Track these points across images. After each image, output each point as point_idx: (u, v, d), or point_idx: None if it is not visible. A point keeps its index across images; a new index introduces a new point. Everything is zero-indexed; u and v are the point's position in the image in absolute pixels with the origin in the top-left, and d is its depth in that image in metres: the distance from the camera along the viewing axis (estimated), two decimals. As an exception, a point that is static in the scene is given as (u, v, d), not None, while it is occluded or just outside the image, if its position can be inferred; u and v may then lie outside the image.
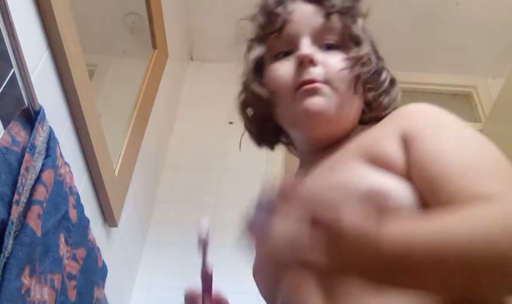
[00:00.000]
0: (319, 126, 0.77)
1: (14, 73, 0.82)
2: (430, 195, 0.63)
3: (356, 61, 0.78)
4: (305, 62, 0.76)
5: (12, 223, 0.76)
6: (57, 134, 0.95)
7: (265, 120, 0.87)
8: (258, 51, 0.86)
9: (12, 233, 0.76)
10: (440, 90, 2.57)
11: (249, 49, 0.90)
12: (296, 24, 0.81)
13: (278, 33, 0.82)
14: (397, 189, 0.65)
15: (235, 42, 2.58)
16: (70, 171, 0.99)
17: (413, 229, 0.55)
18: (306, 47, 0.78)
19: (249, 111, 0.89)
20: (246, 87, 0.87)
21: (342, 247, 0.54)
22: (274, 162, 2.15)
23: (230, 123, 2.34)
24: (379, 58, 0.84)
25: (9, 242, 0.75)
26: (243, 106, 0.89)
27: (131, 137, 1.52)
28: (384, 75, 0.83)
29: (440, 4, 2.35)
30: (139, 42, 1.83)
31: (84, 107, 1.09)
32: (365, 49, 0.79)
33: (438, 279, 0.54)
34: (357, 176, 0.69)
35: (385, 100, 0.82)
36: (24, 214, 0.79)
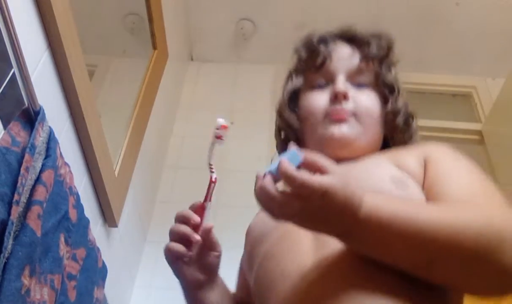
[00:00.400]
0: (341, 150, 0.87)
1: (14, 73, 0.82)
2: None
3: (394, 115, 0.91)
4: (339, 96, 0.87)
5: (12, 223, 0.76)
6: (57, 134, 0.95)
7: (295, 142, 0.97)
8: (297, 82, 0.96)
9: (12, 233, 0.76)
10: (440, 91, 2.57)
11: (288, 79, 1.00)
12: (335, 63, 0.92)
13: (318, 69, 0.93)
14: (414, 186, 0.75)
15: (235, 42, 2.59)
16: (70, 171, 0.99)
17: (396, 205, 0.64)
18: (342, 83, 0.89)
19: (282, 134, 1.01)
20: (280, 115, 0.98)
21: (325, 206, 0.60)
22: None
23: (231, 123, 2.34)
24: (405, 99, 0.95)
25: (9, 242, 0.75)
26: (278, 130, 1.01)
27: (131, 137, 1.52)
28: (407, 116, 0.95)
29: (440, 4, 2.35)
30: (139, 43, 1.83)
31: (84, 107, 1.09)
32: (401, 102, 0.92)
33: (407, 254, 0.63)
34: (381, 166, 0.80)
35: (406, 135, 0.95)
36: (24, 214, 0.79)
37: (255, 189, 0.64)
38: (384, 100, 0.92)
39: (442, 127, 2.35)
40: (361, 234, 0.63)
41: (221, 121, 0.85)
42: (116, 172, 1.36)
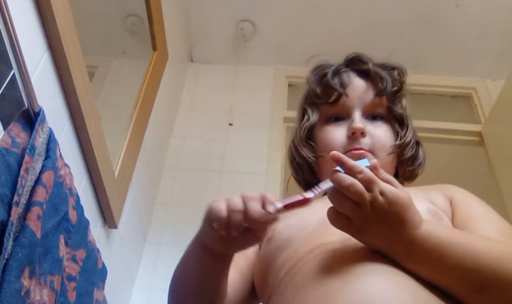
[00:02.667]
0: None
1: (14, 74, 0.82)
2: None
3: (404, 148, 0.95)
4: (357, 133, 0.92)
5: (12, 224, 0.76)
6: (57, 135, 0.95)
7: (310, 174, 1.01)
8: (313, 118, 0.99)
9: (12, 235, 0.76)
10: (440, 92, 2.57)
11: (303, 114, 1.02)
12: (350, 98, 0.95)
13: (333, 103, 0.96)
14: (447, 220, 0.80)
15: (235, 44, 2.59)
16: (70, 172, 0.99)
17: (453, 231, 0.72)
18: (359, 120, 0.93)
19: (298, 170, 1.02)
20: (296, 149, 1.01)
21: (391, 214, 0.65)
22: (274, 163, 2.15)
23: (230, 124, 2.34)
24: (413, 129, 1.00)
25: (8, 244, 0.75)
26: (296, 164, 1.02)
27: (131, 138, 1.52)
28: (416, 147, 0.99)
29: (440, 5, 2.35)
30: (139, 44, 1.83)
31: (84, 108, 1.09)
32: (410, 135, 0.96)
33: (459, 278, 0.66)
34: (417, 197, 0.80)
35: (416, 163, 0.99)
36: (24, 215, 0.79)
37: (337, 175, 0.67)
38: (395, 132, 0.97)
39: (442, 128, 2.35)
40: (416, 251, 0.67)
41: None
42: (116, 173, 1.36)
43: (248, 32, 2.50)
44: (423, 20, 2.39)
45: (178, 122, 2.36)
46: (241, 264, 0.93)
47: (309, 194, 0.71)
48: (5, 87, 0.80)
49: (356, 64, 1.00)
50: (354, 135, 0.92)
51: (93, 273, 1.11)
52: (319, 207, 0.85)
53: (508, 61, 2.31)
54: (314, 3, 2.40)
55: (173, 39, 2.09)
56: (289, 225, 0.86)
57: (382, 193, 0.65)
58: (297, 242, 0.81)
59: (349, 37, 2.44)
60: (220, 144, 2.25)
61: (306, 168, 1.00)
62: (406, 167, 0.98)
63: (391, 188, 0.66)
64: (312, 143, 0.99)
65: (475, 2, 2.33)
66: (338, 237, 0.76)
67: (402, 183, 0.99)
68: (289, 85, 2.56)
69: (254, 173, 2.12)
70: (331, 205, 0.78)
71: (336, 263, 0.73)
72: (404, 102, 0.99)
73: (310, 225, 0.83)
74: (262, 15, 2.46)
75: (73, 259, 1.00)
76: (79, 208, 1.03)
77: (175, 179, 2.13)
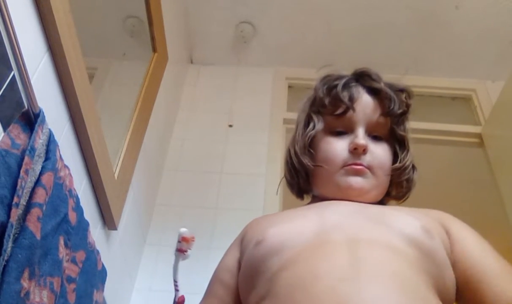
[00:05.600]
0: (354, 197, 0.94)
1: (14, 75, 0.82)
2: (471, 282, 0.83)
3: (402, 170, 0.97)
4: (359, 149, 0.94)
5: (12, 225, 0.76)
6: (57, 136, 0.95)
7: (306, 181, 1.02)
8: (318, 127, 1.00)
9: (11, 236, 0.75)
10: (440, 93, 2.57)
11: (309, 121, 1.03)
12: (357, 113, 0.97)
13: (339, 116, 0.97)
14: (438, 239, 0.84)
15: (235, 45, 2.59)
16: (69, 173, 0.99)
17: None
18: (362, 137, 0.95)
19: (294, 175, 1.03)
20: (296, 155, 1.01)
21: None
22: (273, 165, 2.15)
23: (230, 126, 2.34)
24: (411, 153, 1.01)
25: (8, 245, 0.75)
26: (292, 168, 1.03)
27: (130, 140, 1.52)
28: (412, 170, 1.00)
29: (440, 7, 2.35)
30: (139, 45, 1.83)
31: (84, 110, 1.09)
32: (409, 159, 0.98)
33: None
34: (411, 215, 0.87)
35: (410, 186, 1.01)
36: (23, 217, 0.79)
37: None
38: (394, 153, 0.99)
39: (442, 130, 2.35)
40: None
41: (182, 231, 0.82)
42: (115, 175, 1.36)
43: (248, 33, 2.50)
44: (423, 22, 2.40)
45: (178, 123, 2.36)
46: (227, 279, 0.93)
47: (181, 292, 0.76)
48: (5, 89, 0.80)
49: (366, 80, 1.01)
50: (356, 151, 0.94)
51: (93, 275, 1.11)
52: (311, 216, 0.89)
53: (508, 62, 2.31)
54: (314, 5, 2.40)
55: (173, 40, 2.09)
56: (282, 230, 0.87)
57: None
58: (294, 246, 0.82)
59: (349, 39, 2.44)
60: (220, 146, 2.25)
61: (302, 175, 1.01)
62: (400, 188, 1.00)
63: None
64: (312, 150, 1.00)
65: (475, 4, 2.33)
66: (336, 242, 0.79)
67: (388, 202, 1.04)
68: (289, 87, 2.56)
69: (253, 175, 2.11)
70: (320, 214, 0.88)
71: (328, 267, 0.76)
72: (407, 125, 1.01)
73: (304, 234, 0.84)
74: (262, 16, 2.47)
75: (73, 261, 1.00)
76: (79, 209, 1.03)
77: (175, 181, 2.13)
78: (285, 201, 1.84)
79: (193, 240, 0.80)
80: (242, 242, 0.97)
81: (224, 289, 0.93)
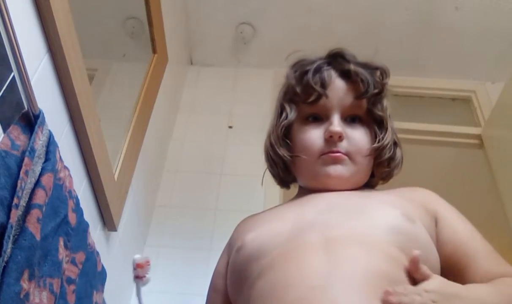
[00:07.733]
0: (334, 185, 0.91)
1: (14, 77, 0.82)
2: (460, 263, 0.84)
3: (381, 150, 0.94)
4: (334, 137, 0.91)
5: (12, 227, 0.76)
6: (57, 138, 0.95)
7: (285, 171, 1.01)
8: (291, 117, 0.98)
9: (11, 237, 0.75)
10: (440, 95, 2.57)
11: (281, 111, 1.01)
12: (330, 99, 0.93)
13: (312, 103, 0.94)
14: (420, 223, 0.83)
15: (234, 46, 2.59)
16: (69, 175, 0.99)
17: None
18: (337, 124, 0.91)
19: (273, 166, 1.02)
20: (273, 147, 0.99)
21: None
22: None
23: (230, 127, 2.34)
24: (392, 130, 0.98)
25: (8, 246, 0.75)
26: (272, 162, 1.01)
27: (130, 141, 1.52)
28: (393, 148, 0.98)
29: (440, 8, 2.35)
30: (139, 46, 1.83)
31: (84, 111, 1.09)
32: (388, 138, 0.95)
33: None
34: (393, 201, 0.87)
35: (392, 165, 0.98)
36: (23, 218, 0.79)
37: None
38: (374, 134, 0.95)
39: (442, 131, 2.35)
40: None
41: (136, 258, 0.81)
42: (115, 176, 1.36)
43: (247, 35, 2.51)
44: (422, 23, 2.40)
45: (178, 124, 2.36)
46: (221, 285, 0.93)
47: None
48: (5, 90, 0.80)
49: (338, 62, 0.97)
50: (332, 139, 0.91)
51: (93, 276, 1.11)
52: (288, 216, 0.87)
53: (508, 64, 2.31)
54: (313, 6, 2.40)
55: (173, 41, 2.09)
56: (259, 235, 0.85)
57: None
58: (270, 251, 0.81)
59: (348, 40, 2.42)
60: (219, 147, 2.25)
61: (281, 166, 0.99)
62: (382, 168, 0.97)
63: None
64: (288, 141, 0.97)
65: (475, 5, 2.33)
66: (311, 244, 0.78)
67: (377, 183, 1.01)
68: (289, 88, 2.56)
69: (253, 176, 2.11)
70: (299, 212, 0.87)
71: (301, 274, 0.74)
72: (385, 103, 0.97)
73: (282, 234, 0.82)
74: (262, 18, 2.47)
75: (73, 262, 0.99)
76: (78, 210, 1.03)
77: (175, 182, 2.13)
78: (285, 201, 1.84)
79: (148, 265, 0.81)
80: (229, 246, 0.96)
81: (221, 296, 0.93)
